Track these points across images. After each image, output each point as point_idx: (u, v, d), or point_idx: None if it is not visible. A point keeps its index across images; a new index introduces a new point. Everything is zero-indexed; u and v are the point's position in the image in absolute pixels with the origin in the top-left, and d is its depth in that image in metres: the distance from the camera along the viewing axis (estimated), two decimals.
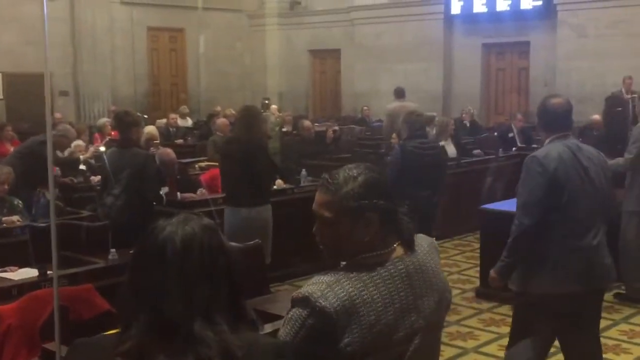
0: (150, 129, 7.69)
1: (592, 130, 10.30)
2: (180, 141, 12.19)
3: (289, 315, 1.86)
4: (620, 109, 10.53)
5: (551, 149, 3.61)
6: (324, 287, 1.83)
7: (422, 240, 2.07)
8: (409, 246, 1.98)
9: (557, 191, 3.50)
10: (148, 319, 1.51)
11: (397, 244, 1.96)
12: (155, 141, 7.17)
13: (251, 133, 5.51)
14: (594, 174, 3.58)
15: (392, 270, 1.91)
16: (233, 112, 11.06)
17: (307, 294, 1.83)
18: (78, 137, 9.31)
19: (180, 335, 1.49)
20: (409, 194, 4.88)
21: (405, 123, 5.83)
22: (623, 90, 12.33)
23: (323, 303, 1.80)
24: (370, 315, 1.83)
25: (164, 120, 13.61)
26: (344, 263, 1.97)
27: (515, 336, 3.76)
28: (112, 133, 11.28)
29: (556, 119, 3.71)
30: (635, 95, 11.72)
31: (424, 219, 5.07)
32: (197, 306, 1.52)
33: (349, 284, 1.84)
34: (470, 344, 5.07)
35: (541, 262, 3.54)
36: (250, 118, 5.65)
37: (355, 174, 1.94)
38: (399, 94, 11.21)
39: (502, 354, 4.46)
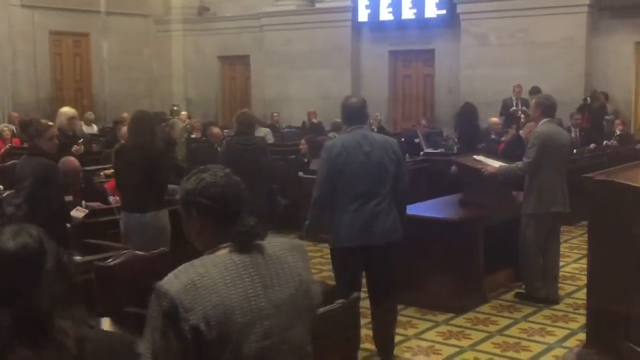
0: (66, 109, 7.52)
1: (491, 132, 10.67)
2: None
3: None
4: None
5: (338, 139, 4.73)
6: (171, 276, 1.99)
7: (283, 243, 2.20)
8: (240, 250, 2.08)
9: (339, 171, 4.51)
10: (11, 320, 1.63)
11: (226, 245, 2.07)
12: (74, 119, 7.12)
13: (142, 138, 5.48)
14: (376, 157, 4.55)
15: (236, 260, 2.04)
16: None
17: (156, 284, 1.98)
18: None
19: (44, 329, 1.66)
20: None
21: (236, 122, 6.62)
22: (513, 97, 12.87)
23: (166, 287, 1.95)
24: (212, 296, 1.95)
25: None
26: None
27: (336, 277, 4.87)
28: (14, 140, 10.91)
29: (351, 114, 4.71)
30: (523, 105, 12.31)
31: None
32: (57, 301, 1.69)
33: (192, 270, 1.99)
34: (368, 346, 5.10)
35: (335, 223, 4.59)
36: (140, 123, 5.63)
37: (205, 176, 2.12)
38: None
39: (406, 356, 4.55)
